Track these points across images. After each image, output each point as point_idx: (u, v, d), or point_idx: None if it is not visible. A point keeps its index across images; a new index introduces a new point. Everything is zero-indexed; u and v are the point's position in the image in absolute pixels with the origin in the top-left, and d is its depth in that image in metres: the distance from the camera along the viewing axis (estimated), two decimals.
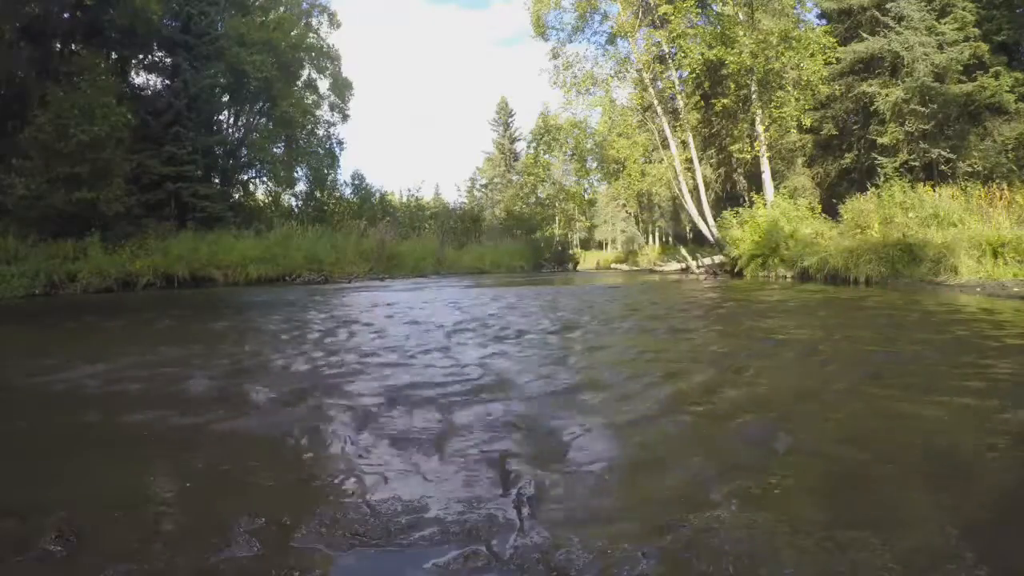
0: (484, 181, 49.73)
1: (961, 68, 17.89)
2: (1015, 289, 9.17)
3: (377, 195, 33.92)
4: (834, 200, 18.48)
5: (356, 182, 33.59)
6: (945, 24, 18.19)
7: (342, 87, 32.37)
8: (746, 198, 21.32)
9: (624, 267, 31.18)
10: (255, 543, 1.99)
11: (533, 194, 38.81)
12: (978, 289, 9.64)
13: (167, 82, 23.52)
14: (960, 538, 1.90)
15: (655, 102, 21.66)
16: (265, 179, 30.38)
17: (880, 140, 19.35)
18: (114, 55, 22.44)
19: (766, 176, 20.34)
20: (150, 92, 23.72)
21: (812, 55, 19.16)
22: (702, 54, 19.48)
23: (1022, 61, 18.92)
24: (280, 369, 4.79)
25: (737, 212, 19.35)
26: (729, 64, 19.12)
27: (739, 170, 24.19)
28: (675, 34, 19.93)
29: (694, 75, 20.87)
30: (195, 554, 1.93)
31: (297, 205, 31.42)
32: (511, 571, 1.81)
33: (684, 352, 5.28)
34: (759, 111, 20.12)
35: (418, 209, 34.84)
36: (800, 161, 24.15)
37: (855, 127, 21.79)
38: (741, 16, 19.59)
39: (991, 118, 18.30)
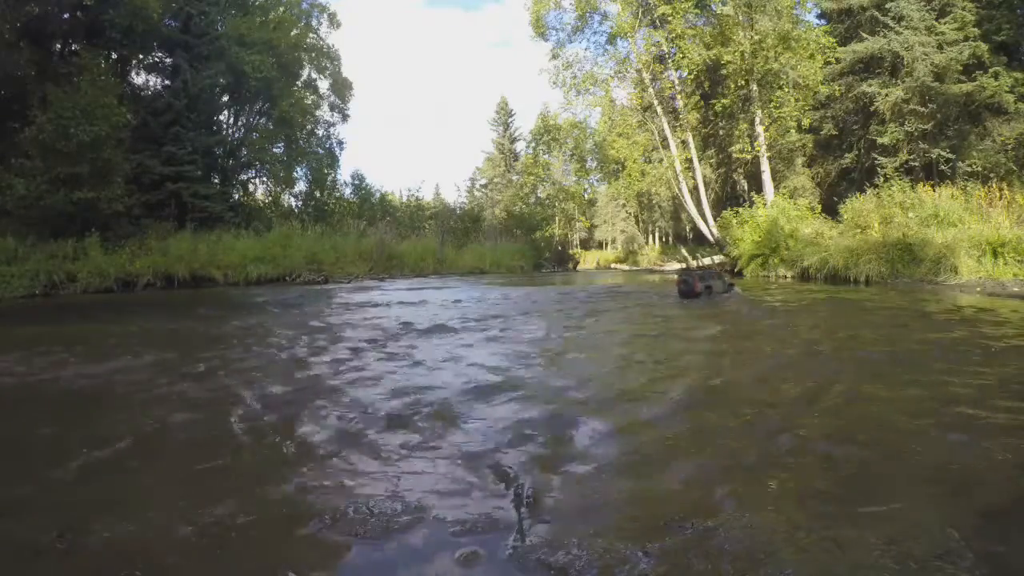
0: (484, 181, 49.70)
1: (961, 68, 17.88)
2: (1015, 289, 9.18)
3: (377, 195, 33.90)
4: (834, 199, 18.47)
5: (356, 182, 33.58)
6: (945, 24, 18.19)
7: (342, 87, 32.36)
8: (746, 198, 21.31)
9: (624, 267, 31.16)
10: (258, 541, 1.99)
11: (533, 194, 38.72)
12: (978, 289, 9.64)
13: (167, 82, 23.49)
14: (959, 539, 1.90)
15: (655, 102, 21.65)
16: (265, 179, 30.37)
17: (880, 140, 19.34)
18: (114, 55, 22.40)
19: (766, 176, 20.33)
20: (150, 92, 23.68)
21: (811, 56, 19.14)
22: (700, 55, 19.47)
23: (1022, 61, 18.91)
24: (279, 371, 4.79)
25: (737, 212, 19.33)
26: (727, 64, 19.12)
27: (739, 170, 24.17)
28: (674, 35, 19.93)
29: (693, 75, 20.86)
30: (195, 552, 1.93)
31: (297, 205, 31.37)
32: (511, 571, 1.81)
33: (685, 351, 5.28)
34: (759, 111, 20.11)
35: (418, 209, 34.79)
36: (800, 161, 24.12)
37: (855, 127, 21.77)
38: (740, 17, 19.58)
39: (991, 118, 18.29)
